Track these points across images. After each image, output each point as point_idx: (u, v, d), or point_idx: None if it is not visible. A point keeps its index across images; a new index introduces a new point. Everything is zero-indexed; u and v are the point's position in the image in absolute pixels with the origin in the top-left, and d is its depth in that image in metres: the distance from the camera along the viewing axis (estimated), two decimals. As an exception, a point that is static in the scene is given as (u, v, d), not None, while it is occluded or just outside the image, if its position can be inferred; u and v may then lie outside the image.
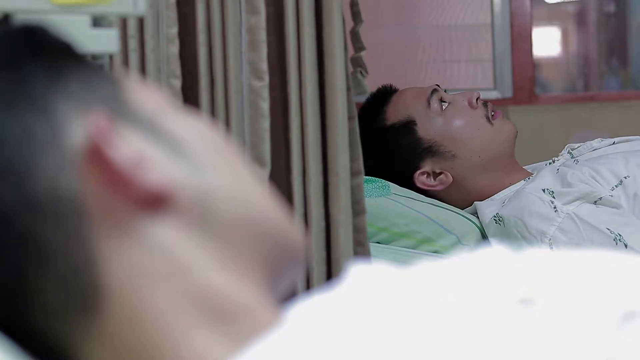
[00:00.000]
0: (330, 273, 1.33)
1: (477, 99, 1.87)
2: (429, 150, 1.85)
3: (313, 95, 1.32)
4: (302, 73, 1.32)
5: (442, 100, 1.87)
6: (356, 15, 1.43)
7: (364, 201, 1.37)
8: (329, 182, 1.33)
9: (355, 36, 1.44)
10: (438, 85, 1.93)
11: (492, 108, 1.89)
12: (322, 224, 1.33)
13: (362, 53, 1.44)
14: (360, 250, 1.36)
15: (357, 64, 1.43)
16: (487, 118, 1.86)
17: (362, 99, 2.01)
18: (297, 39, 1.33)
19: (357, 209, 1.36)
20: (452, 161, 1.84)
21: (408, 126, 1.86)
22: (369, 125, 1.87)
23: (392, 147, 1.85)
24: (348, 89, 1.35)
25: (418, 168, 1.86)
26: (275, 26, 1.32)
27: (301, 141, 1.34)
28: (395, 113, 1.89)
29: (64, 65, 0.51)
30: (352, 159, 1.35)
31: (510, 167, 1.87)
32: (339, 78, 1.32)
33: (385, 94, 1.95)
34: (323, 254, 1.33)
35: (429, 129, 1.85)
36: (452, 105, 1.87)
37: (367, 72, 1.44)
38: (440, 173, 1.86)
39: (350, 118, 1.35)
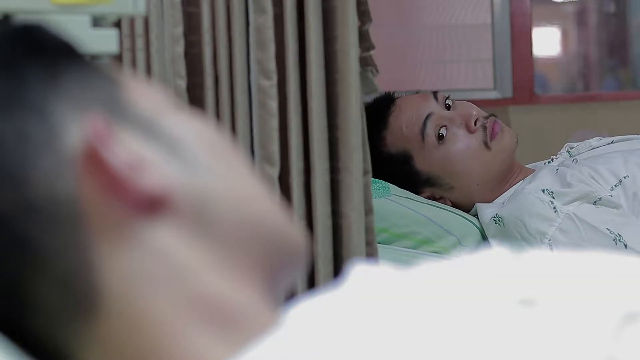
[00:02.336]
0: (340, 272, 1.33)
1: (476, 122, 1.79)
2: (427, 182, 1.83)
3: (319, 94, 1.32)
4: (307, 73, 1.32)
5: (438, 127, 1.78)
6: (364, 14, 1.43)
7: (371, 200, 1.37)
8: (340, 180, 1.33)
9: (363, 35, 1.44)
10: (435, 93, 1.85)
11: (492, 124, 1.81)
12: (329, 222, 1.33)
13: (372, 52, 1.44)
14: (369, 249, 1.36)
15: (366, 63, 1.43)
16: (485, 143, 1.79)
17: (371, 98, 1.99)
18: (301, 39, 1.32)
19: (366, 208, 1.36)
20: (451, 191, 1.84)
21: (404, 159, 1.82)
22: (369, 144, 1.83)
23: (391, 174, 1.83)
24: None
25: (417, 194, 1.85)
26: (281, 26, 1.32)
27: (303, 140, 1.33)
28: (392, 142, 1.84)
29: (62, 66, 0.51)
30: (362, 158, 1.35)
31: (510, 175, 1.86)
32: (354, 76, 1.32)
33: (382, 108, 1.87)
34: (329, 253, 1.33)
35: (425, 163, 1.81)
36: (449, 133, 1.78)
37: (377, 71, 1.44)
38: (440, 197, 1.85)
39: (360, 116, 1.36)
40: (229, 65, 1.33)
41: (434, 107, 1.82)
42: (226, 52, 1.33)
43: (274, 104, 1.31)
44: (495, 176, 1.82)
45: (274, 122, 1.31)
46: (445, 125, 1.79)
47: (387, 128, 1.85)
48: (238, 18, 1.32)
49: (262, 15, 1.30)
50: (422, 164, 1.81)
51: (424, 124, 1.79)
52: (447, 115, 1.81)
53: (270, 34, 1.30)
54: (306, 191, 1.34)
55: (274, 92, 1.30)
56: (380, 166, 1.81)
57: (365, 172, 1.35)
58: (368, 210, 1.36)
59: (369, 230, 1.36)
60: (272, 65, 1.30)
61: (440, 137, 1.78)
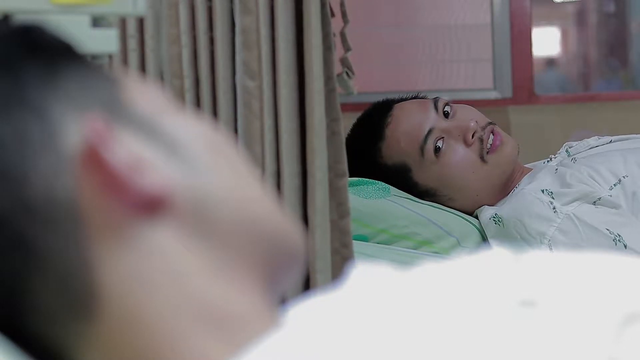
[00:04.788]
0: (307, 276, 1.32)
1: (473, 134, 1.76)
2: (426, 193, 1.83)
3: (288, 97, 1.31)
4: (276, 76, 1.32)
5: (436, 140, 1.77)
6: (343, 16, 1.43)
7: (348, 203, 1.36)
8: (307, 183, 1.33)
9: (342, 37, 1.44)
10: (435, 101, 1.82)
11: (489, 134, 1.78)
12: (300, 225, 1.32)
13: (349, 54, 1.43)
14: (345, 252, 1.35)
15: (344, 65, 1.43)
16: (481, 157, 1.77)
17: (361, 99, 1.97)
18: (272, 43, 1.32)
19: (342, 211, 1.35)
20: (451, 202, 1.83)
21: (403, 172, 1.81)
22: (364, 154, 1.81)
23: (388, 183, 1.83)
24: (332, 90, 1.34)
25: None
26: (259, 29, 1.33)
27: (276, 143, 1.33)
28: (389, 154, 1.82)
29: (61, 66, 0.51)
30: (336, 161, 1.34)
31: (510, 180, 1.85)
32: (317, 80, 1.31)
33: (378, 118, 1.85)
34: None
35: (424, 177, 1.80)
36: (446, 146, 1.76)
37: (353, 73, 1.43)
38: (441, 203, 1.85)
39: (334, 120, 1.34)
40: (211, 66, 1.34)
41: (434, 119, 1.79)
42: (209, 52, 1.33)
43: (258, 105, 1.31)
44: (494, 187, 1.81)
45: (258, 124, 1.31)
46: (443, 138, 1.77)
47: (383, 139, 1.83)
48: (221, 18, 1.32)
49: (248, 16, 1.30)
50: (421, 177, 1.80)
51: (425, 141, 1.77)
52: (445, 127, 1.78)
53: (256, 35, 1.30)
54: (280, 194, 1.34)
55: (258, 93, 1.30)
56: (377, 176, 1.80)
57: (339, 175, 1.34)
58: (344, 213, 1.35)
59: (344, 232, 1.35)
60: (257, 66, 1.30)
61: (437, 150, 1.76)
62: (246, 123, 1.31)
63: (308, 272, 1.32)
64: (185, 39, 1.34)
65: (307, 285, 1.32)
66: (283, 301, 0.45)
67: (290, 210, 1.31)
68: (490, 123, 1.81)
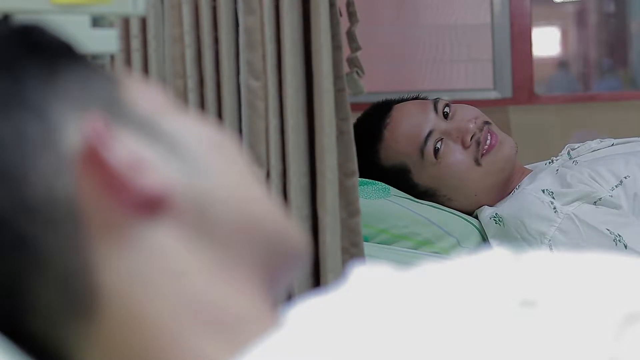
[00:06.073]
0: (318, 275, 1.32)
1: (471, 137, 1.76)
2: (426, 194, 1.83)
3: (295, 97, 1.31)
4: (282, 76, 1.31)
5: (435, 142, 1.77)
6: (352, 15, 1.43)
7: (358, 202, 1.36)
8: (316, 183, 1.33)
9: (350, 36, 1.43)
10: (435, 102, 1.82)
11: (486, 136, 1.78)
12: (307, 225, 1.32)
13: (358, 53, 1.43)
14: (355, 251, 1.35)
15: (353, 64, 1.42)
16: (476, 160, 1.77)
17: (361, 99, 1.97)
18: (277, 42, 1.32)
19: (352, 210, 1.35)
20: (450, 202, 1.83)
21: (402, 173, 1.81)
22: (362, 155, 1.81)
23: (387, 183, 1.82)
24: (341, 90, 1.33)
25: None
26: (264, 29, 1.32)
27: (282, 143, 1.33)
28: (388, 156, 1.82)
29: (60, 66, 0.51)
30: (347, 160, 1.34)
31: (510, 180, 1.84)
32: (326, 79, 1.30)
33: (377, 119, 1.85)
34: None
35: (423, 177, 1.80)
36: (444, 147, 1.76)
37: (363, 72, 1.43)
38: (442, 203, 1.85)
39: (343, 119, 1.34)
40: (215, 66, 1.33)
41: (433, 121, 1.79)
42: (211, 52, 1.33)
43: (262, 105, 1.31)
44: (492, 187, 1.81)
45: (263, 124, 1.31)
46: (442, 139, 1.77)
47: (381, 141, 1.83)
48: (225, 18, 1.32)
49: (251, 16, 1.30)
50: (420, 178, 1.80)
51: (425, 142, 1.77)
52: (445, 128, 1.78)
53: (260, 35, 1.30)
54: (286, 194, 1.34)
55: (263, 93, 1.30)
56: (376, 177, 1.80)
57: (349, 174, 1.34)
58: (354, 212, 1.35)
59: (354, 232, 1.35)
60: (261, 66, 1.30)
61: (436, 151, 1.77)
62: (250, 123, 1.31)
63: (318, 272, 1.32)
64: (188, 39, 1.34)
65: (317, 284, 1.32)
66: (290, 300, 0.45)
67: (297, 209, 1.31)
68: (486, 123, 1.81)
